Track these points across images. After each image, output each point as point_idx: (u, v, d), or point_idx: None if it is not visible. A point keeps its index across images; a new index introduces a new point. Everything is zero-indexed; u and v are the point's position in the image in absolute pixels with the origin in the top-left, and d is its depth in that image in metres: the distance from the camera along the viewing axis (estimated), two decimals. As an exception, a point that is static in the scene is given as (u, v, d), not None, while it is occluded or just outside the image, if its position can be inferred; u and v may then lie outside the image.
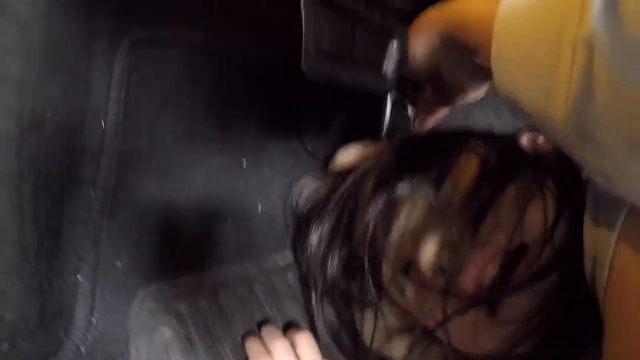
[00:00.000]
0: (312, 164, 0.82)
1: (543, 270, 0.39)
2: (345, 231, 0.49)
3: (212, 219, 0.64)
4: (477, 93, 0.49)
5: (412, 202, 0.46)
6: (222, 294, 0.61)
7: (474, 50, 0.38)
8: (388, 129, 0.59)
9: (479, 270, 0.41)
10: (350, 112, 0.82)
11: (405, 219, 0.46)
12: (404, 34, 0.50)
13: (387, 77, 0.51)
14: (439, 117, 0.55)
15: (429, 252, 0.43)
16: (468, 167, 0.45)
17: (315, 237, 0.49)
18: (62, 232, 0.46)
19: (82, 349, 0.46)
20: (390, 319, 0.50)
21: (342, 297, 0.51)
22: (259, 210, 0.72)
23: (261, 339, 0.58)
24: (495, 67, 0.33)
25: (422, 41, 0.46)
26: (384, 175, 0.48)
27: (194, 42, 0.63)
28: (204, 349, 0.55)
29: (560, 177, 0.42)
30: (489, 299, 0.42)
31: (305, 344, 0.57)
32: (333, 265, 0.49)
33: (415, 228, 0.45)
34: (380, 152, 0.54)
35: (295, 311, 0.66)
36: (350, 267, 0.50)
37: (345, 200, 0.49)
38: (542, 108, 0.28)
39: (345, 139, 0.85)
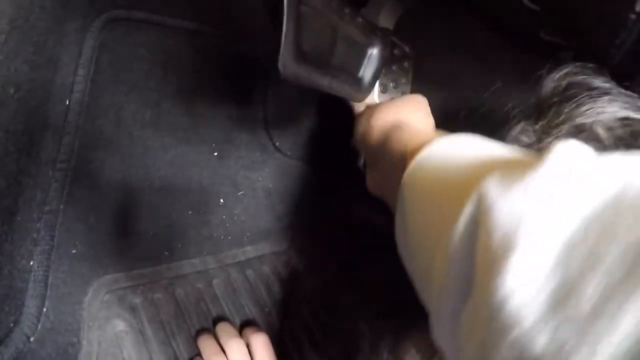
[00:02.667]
0: (279, 159, 0.83)
1: None
2: None
3: (173, 210, 0.63)
4: None
5: None
6: (179, 288, 0.60)
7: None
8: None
9: None
10: (321, 109, 0.82)
11: None
12: (385, 42, 0.52)
13: (363, 82, 0.52)
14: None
15: None
16: None
17: None
18: (16, 213, 0.44)
19: (32, 338, 0.44)
20: None
21: None
22: (221, 204, 0.72)
23: (215, 336, 0.58)
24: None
25: (361, 128, 0.50)
26: None
27: (169, 27, 0.62)
28: (157, 344, 0.54)
29: None
30: None
31: (261, 345, 0.57)
32: None
33: None
34: None
35: (252, 308, 0.66)
36: None
37: None
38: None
39: (314, 136, 0.86)
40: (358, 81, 0.52)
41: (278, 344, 0.62)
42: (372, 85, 0.53)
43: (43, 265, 0.48)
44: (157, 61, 0.61)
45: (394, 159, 0.40)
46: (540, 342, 0.18)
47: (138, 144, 0.60)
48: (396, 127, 0.45)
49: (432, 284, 0.27)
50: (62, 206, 0.51)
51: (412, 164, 0.33)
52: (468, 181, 0.26)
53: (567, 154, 0.22)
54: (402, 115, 0.47)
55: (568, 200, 0.20)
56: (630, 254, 0.17)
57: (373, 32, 0.51)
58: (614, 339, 0.16)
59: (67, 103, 0.52)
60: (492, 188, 0.23)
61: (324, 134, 0.84)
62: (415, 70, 0.62)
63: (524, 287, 0.19)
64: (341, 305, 0.75)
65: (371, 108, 0.52)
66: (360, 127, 0.52)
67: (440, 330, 0.27)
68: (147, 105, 0.60)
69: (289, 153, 0.84)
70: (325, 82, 0.48)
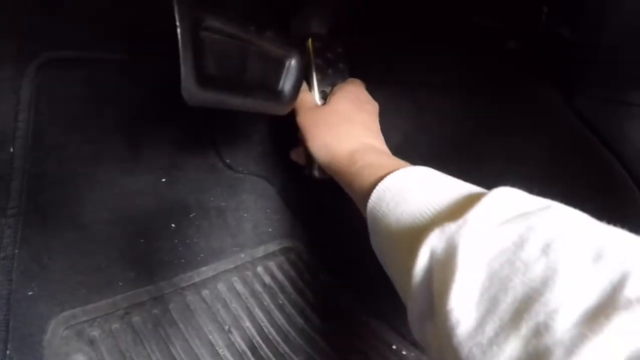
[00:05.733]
0: (231, 177, 0.90)
1: None
2: None
3: (124, 241, 0.70)
4: None
5: None
6: (135, 316, 0.67)
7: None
8: None
9: None
10: (270, 122, 0.89)
11: None
12: (302, 51, 0.55)
13: (284, 95, 0.55)
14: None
15: None
16: None
17: None
18: (-28, 263, 0.51)
19: (-3, 382, 0.52)
20: None
21: None
22: (173, 229, 0.79)
23: None
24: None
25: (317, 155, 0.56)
26: None
27: (100, 61, 0.68)
28: (118, 373, 0.62)
29: None
30: None
31: None
32: None
33: None
34: None
35: (210, 327, 0.73)
36: None
37: None
38: None
39: (266, 149, 0.93)
40: (279, 94, 0.54)
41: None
42: (294, 96, 0.56)
43: (3, 310, 0.54)
44: (93, 96, 0.67)
45: (358, 193, 0.48)
46: (464, 352, 0.28)
47: (83, 180, 0.66)
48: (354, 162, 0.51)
49: (406, 299, 0.38)
50: (16, 250, 0.58)
51: (370, 206, 0.43)
52: (418, 234, 0.35)
53: (488, 208, 0.32)
54: (350, 136, 0.54)
55: (482, 252, 0.30)
56: (514, 305, 0.27)
57: (287, 42, 0.54)
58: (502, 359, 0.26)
59: (12, 150, 0.59)
60: (436, 242, 0.33)
61: (276, 146, 0.91)
62: (352, 69, 0.65)
63: (459, 312, 0.29)
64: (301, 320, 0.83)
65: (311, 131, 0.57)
66: (314, 151, 0.56)
67: (413, 328, 0.38)
68: (88, 141, 0.67)
69: (240, 169, 0.91)
70: (238, 102, 0.50)
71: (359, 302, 0.83)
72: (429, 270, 0.33)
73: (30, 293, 0.59)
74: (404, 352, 0.76)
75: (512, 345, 0.26)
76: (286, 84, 0.54)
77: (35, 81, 0.61)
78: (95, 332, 0.63)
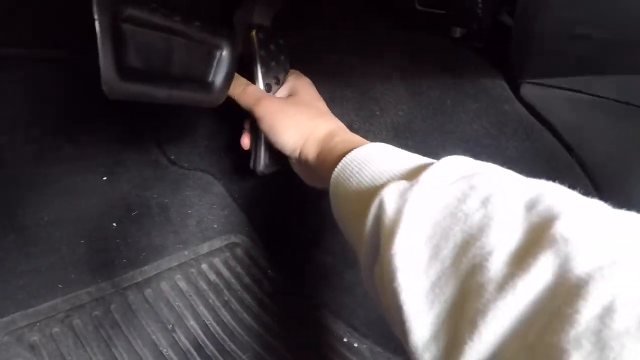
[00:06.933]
0: (175, 173, 0.92)
1: None
2: None
3: (64, 242, 0.71)
4: None
5: None
6: (76, 319, 0.69)
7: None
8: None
9: None
10: (216, 116, 0.91)
11: None
12: (234, 41, 0.56)
13: (215, 87, 0.55)
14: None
15: None
16: None
17: None
18: None
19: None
20: None
21: None
22: (114, 228, 0.80)
23: None
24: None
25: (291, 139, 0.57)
26: None
27: (40, 59, 0.68)
28: (59, 378, 0.64)
29: None
30: None
31: None
32: None
33: None
34: None
35: (153, 327, 0.75)
36: None
37: None
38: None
39: (212, 144, 0.95)
40: (209, 86, 0.54)
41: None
42: (226, 87, 0.56)
43: (-61, 319, 0.56)
44: (34, 95, 0.68)
45: (329, 164, 0.51)
46: (404, 294, 0.31)
47: (23, 182, 0.67)
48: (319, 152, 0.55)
49: (358, 250, 0.42)
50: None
51: (335, 173, 0.47)
52: (374, 191, 0.39)
53: (438, 172, 0.36)
54: (311, 128, 0.57)
55: (428, 207, 0.33)
56: (454, 250, 0.30)
57: (217, 33, 0.54)
58: (442, 301, 0.30)
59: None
60: (388, 195, 0.36)
61: (222, 140, 0.93)
62: (292, 61, 0.66)
63: (401, 257, 0.32)
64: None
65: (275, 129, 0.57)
66: (283, 141, 0.57)
67: (364, 279, 0.41)
68: (30, 141, 0.67)
69: (186, 165, 0.92)
70: (164, 95, 0.49)
71: (308, 296, 0.86)
72: (379, 216, 0.36)
73: (-32, 300, 0.60)
74: (355, 345, 0.80)
75: (451, 287, 0.29)
76: (217, 75, 0.54)
77: (-30, 81, 0.61)
78: (35, 337, 0.64)
